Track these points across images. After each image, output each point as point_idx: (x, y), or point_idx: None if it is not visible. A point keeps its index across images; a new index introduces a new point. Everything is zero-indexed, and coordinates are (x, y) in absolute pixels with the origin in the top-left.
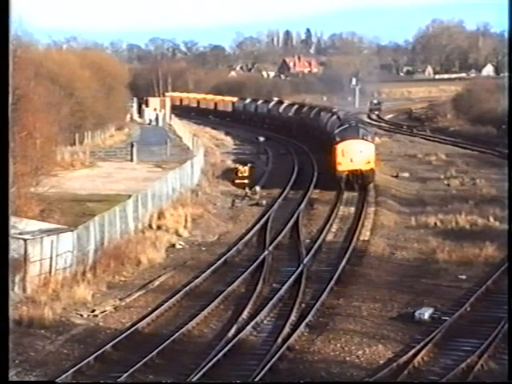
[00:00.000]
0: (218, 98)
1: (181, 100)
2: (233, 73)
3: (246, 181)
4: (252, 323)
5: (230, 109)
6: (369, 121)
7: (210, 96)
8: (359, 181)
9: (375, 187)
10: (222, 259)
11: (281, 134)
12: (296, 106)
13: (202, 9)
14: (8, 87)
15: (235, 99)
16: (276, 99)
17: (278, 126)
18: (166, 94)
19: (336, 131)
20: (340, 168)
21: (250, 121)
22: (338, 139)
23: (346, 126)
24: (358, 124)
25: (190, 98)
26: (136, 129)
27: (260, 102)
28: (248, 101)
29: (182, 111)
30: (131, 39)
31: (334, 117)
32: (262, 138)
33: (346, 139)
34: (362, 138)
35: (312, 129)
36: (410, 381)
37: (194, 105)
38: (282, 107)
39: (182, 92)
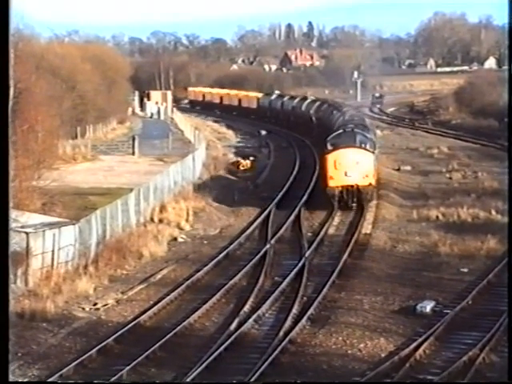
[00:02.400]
0: (242, 93)
1: (203, 95)
2: (234, 66)
3: (247, 174)
4: (254, 316)
5: (254, 105)
6: (371, 114)
7: (233, 91)
8: (355, 199)
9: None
10: (224, 253)
11: (304, 135)
12: (317, 103)
13: (203, 1)
14: (8, 81)
15: (260, 95)
16: (301, 95)
17: (302, 125)
18: (189, 88)
19: (329, 137)
20: (332, 183)
21: (276, 119)
22: (329, 147)
23: (341, 131)
24: (354, 129)
25: (213, 93)
26: (138, 122)
27: (286, 98)
28: (274, 96)
29: (204, 108)
30: (133, 32)
31: (341, 117)
32: (263, 132)
33: (340, 147)
34: (360, 147)
35: (328, 129)
36: (409, 381)
37: (217, 101)
38: (304, 104)
39: (205, 87)
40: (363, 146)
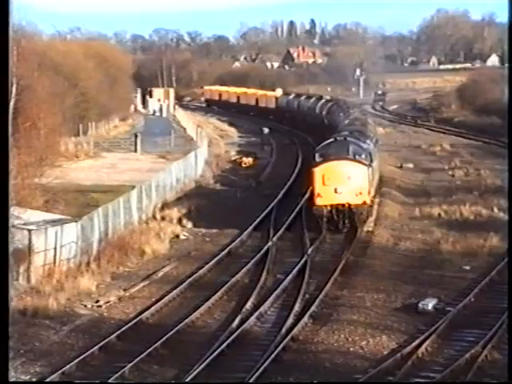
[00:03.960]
0: (260, 92)
1: (220, 94)
2: (237, 63)
3: (250, 171)
4: (256, 314)
5: (272, 105)
6: (373, 111)
7: (251, 90)
8: (346, 220)
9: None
10: (226, 250)
11: (313, 135)
12: (330, 104)
13: None
14: (8, 79)
15: (279, 94)
16: (318, 94)
17: (317, 128)
18: (205, 87)
19: (317, 147)
20: (319, 202)
21: (293, 120)
22: (317, 159)
23: (332, 139)
24: (347, 138)
25: (230, 92)
26: (140, 119)
27: (303, 97)
28: (291, 96)
29: (221, 108)
30: (135, 30)
31: (345, 120)
32: (266, 130)
33: (329, 160)
34: (353, 159)
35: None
36: (409, 381)
37: (234, 100)
38: (319, 105)
39: (222, 85)
40: (357, 157)
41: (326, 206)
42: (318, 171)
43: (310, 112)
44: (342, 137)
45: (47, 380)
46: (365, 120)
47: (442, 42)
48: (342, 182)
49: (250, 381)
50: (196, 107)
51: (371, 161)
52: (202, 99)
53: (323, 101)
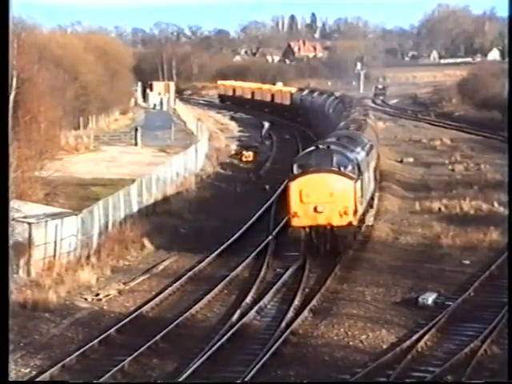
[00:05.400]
0: (276, 88)
1: (233, 90)
2: (237, 57)
3: (250, 165)
4: (256, 308)
5: (287, 101)
6: (373, 105)
7: (266, 86)
8: (327, 244)
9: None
10: (226, 244)
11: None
12: (336, 102)
13: None
14: (8, 73)
15: (293, 90)
16: (330, 91)
17: (328, 128)
18: (218, 82)
19: (297, 157)
20: (296, 222)
21: (306, 118)
22: (295, 171)
23: (313, 147)
24: (331, 146)
25: (244, 87)
26: (140, 113)
27: (316, 93)
28: (305, 92)
29: (235, 104)
30: (135, 23)
31: (342, 122)
32: (266, 124)
33: (308, 172)
34: (337, 172)
35: None
36: (409, 381)
37: (248, 96)
38: (328, 102)
39: (236, 80)
40: (342, 169)
41: (303, 227)
42: (295, 186)
43: (321, 110)
44: (326, 144)
45: (42, 379)
46: (363, 122)
47: (443, 37)
48: (322, 200)
49: (251, 373)
50: (196, 101)
51: (360, 173)
52: (203, 93)
53: (332, 98)
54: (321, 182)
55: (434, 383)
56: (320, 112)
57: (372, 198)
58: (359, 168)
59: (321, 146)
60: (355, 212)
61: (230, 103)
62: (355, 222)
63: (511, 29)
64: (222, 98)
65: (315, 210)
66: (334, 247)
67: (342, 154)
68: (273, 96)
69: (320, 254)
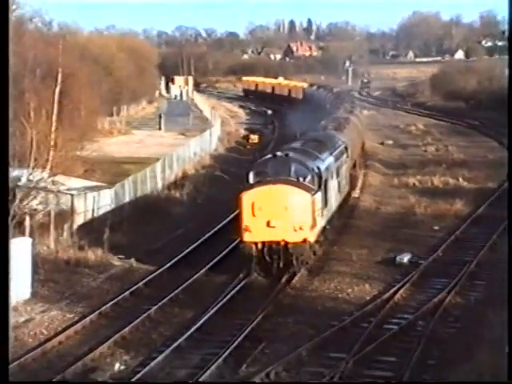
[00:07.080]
0: (292, 83)
1: (256, 85)
2: (245, 56)
3: (255, 147)
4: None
5: (300, 96)
6: (359, 96)
7: (284, 81)
8: (281, 262)
9: (364, 153)
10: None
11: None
12: (332, 98)
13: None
14: (8, 71)
15: (306, 85)
16: (330, 86)
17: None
18: (243, 78)
19: (254, 164)
20: (248, 237)
21: (313, 110)
22: (250, 180)
23: (269, 156)
24: (289, 154)
25: (266, 82)
26: (164, 103)
27: (321, 89)
28: (314, 88)
29: (257, 98)
30: (160, 27)
31: (326, 119)
32: (269, 111)
33: (261, 184)
34: (293, 183)
35: None
36: (408, 381)
37: (269, 90)
38: (327, 97)
39: (258, 76)
40: (300, 179)
41: (255, 243)
42: (247, 198)
43: (323, 104)
44: (285, 152)
45: (83, 324)
46: (343, 120)
47: (418, 39)
48: (276, 214)
49: (256, 320)
50: (211, 92)
51: (321, 183)
52: (217, 85)
53: (330, 94)
54: (275, 194)
55: (433, 383)
56: (323, 106)
57: (349, 195)
58: (320, 177)
59: (279, 154)
60: (312, 227)
61: (253, 97)
62: (312, 238)
63: (511, 29)
64: (246, 92)
65: (268, 224)
66: (286, 264)
67: (300, 162)
68: (289, 91)
69: (272, 272)
